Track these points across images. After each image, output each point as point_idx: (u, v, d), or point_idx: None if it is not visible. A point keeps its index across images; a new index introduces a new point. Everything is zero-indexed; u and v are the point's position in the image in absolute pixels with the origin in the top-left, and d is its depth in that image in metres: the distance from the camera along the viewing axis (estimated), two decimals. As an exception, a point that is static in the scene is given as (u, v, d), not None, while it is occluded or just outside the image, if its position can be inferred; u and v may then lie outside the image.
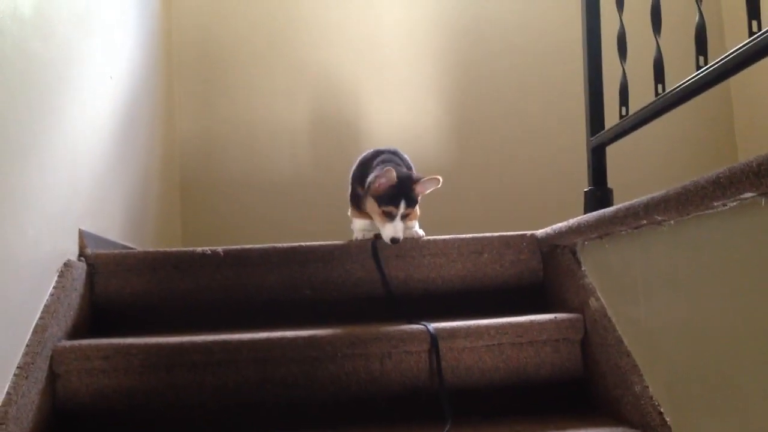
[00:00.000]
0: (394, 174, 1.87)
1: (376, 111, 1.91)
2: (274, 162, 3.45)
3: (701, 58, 1.40)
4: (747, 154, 0.97)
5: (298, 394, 1.68)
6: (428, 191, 1.97)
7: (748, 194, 1.02)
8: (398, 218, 1.91)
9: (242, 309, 1.99)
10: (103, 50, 2.30)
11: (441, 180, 1.93)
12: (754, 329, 1.07)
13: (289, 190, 3.43)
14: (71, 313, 1.77)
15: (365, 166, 2.05)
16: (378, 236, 2.04)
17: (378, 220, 1.96)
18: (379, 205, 1.92)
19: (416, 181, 1.93)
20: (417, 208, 2.00)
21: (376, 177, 1.92)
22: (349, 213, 2.12)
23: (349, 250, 2.03)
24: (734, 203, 1.08)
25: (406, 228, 2.08)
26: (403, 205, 1.90)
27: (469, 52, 3.54)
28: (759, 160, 0.96)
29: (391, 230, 1.91)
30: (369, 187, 1.95)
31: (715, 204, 1.11)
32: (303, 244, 2.02)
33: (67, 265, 1.81)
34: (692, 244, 1.24)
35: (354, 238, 2.08)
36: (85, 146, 2.07)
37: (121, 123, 2.45)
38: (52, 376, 1.62)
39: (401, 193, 1.90)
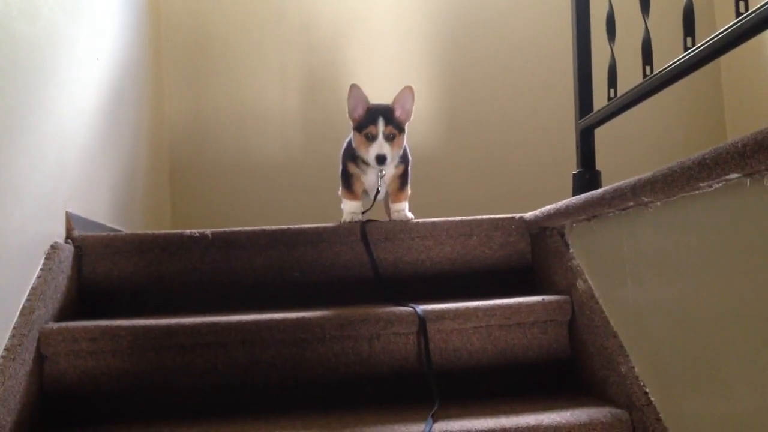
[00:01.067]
0: (359, 88, 1.96)
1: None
2: (264, 145, 3.44)
3: (689, 39, 1.39)
4: (736, 135, 0.97)
5: (287, 376, 1.69)
6: (409, 109, 2.00)
7: (734, 175, 1.02)
8: (380, 137, 1.94)
9: (231, 291, 1.99)
10: (90, 31, 2.27)
11: (413, 88, 1.98)
12: (738, 310, 1.08)
13: (278, 173, 3.42)
14: (58, 295, 1.77)
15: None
16: (369, 220, 2.05)
17: (363, 149, 1.99)
18: (360, 131, 1.97)
19: (392, 104, 1.98)
20: (408, 173, 2.07)
21: (349, 103, 1.98)
22: (339, 192, 2.12)
23: (338, 232, 2.02)
24: (720, 184, 1.08)
25: (396, 211, 2.09)
26: (381, 122, 1.93)
27: (458, 35, 3.53)
28: (744, 140, 0.96)
29: (376, 148, 1.94)
30: (352, 120, 2.01)
31: (701, 185, 1.11)
32: (291, 226, 2.02)
33: (54, 247, 1.80)
34: (679, 226, 1.24)
35: (343, 220, 2.08)
36: (72, 128, 2.05)
37: (109, 104, 2.43)
38: (40, 358, 1.62)
39: (378, 113, 1.95)
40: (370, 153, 1.96)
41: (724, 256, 1.11)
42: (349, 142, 2.08)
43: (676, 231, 1.26)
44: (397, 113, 1.98)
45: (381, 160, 1.94)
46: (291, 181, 3.41)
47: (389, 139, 1.96)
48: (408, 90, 1.98)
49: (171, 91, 3.41)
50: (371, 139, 1.96)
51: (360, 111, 1.99)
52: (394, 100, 1.98)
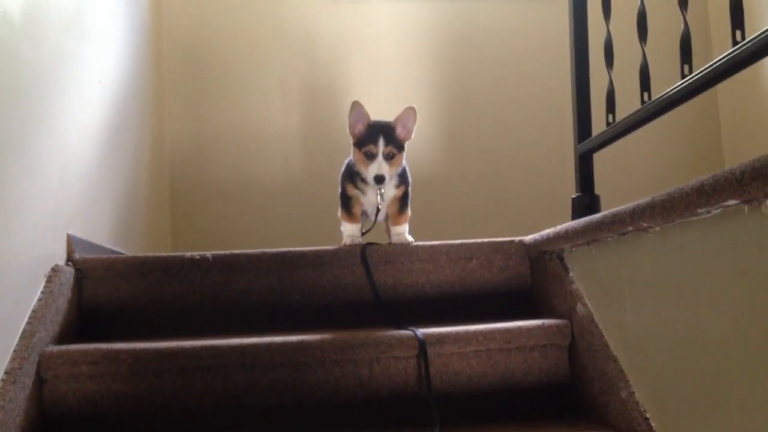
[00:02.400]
0: (360, 105, 1.97)
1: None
2: (265, 166, 3.46)
3: (686, 67, 1.41)
4: (733, 161, 0.99)
5: (287, 399, 1.68)
6: (410, 128, 2.01)
7: (732, 201, 1.03)
8: (380, 156, 1.95)
9: (231, 314, 1.99)
10: (93, 54, 2.29)
11: (415, 108, 1.99)
12: (738, 335, 1.08)
13: (280, 194, 3.43)
14: (59, 318, 1.77)
15: (353, 167, 2.07)
16: (369, 243, 2.06)
17: (362, 166, 1.99)
18: (360, 148, 1.98)
19: (393, 122, 1.99)
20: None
21: (350, 119, 1.99)
22: (338, 214, 2.13)
23: (339, 255, 2.03)
24: (718, 210, 1.09)
25: (396, 234, 2.10)
26: (381, 142, 1.94)
27: (459, 59, 3.57)
28: (742, 167, 0.97)
29: (375, 168, 1.95)
30: (352, 136, 2.02)
31: (700, 211, 1.12)
32: (292, 249, 2.03)
33: (55, 269, 1.80)
34: (678, 251, 1.25)
35: (343, 243, 2.08)
36: (75, 150, 2.06)
37: (111, 127, 2.44)
38: (40, 382, 1.61)
39: (378, 131, 1.96)
40: (370, 172, 1.97)
41: (722, 282, 1.12)
42: (348, 165, 2.09)
43: (675, 256, 1.26)
44: (398, 132, 1.99)
45: (380, 180, 1.96)
46: (292, 201, 3.42)
47: (388, 158, 1.97)
48: (410, 110, 1.99)
49: (172, 111, 3.43)
50: (370, 157, 1.97)
51: (360, 127, 2.00)
52: (396, 118, 1.99)
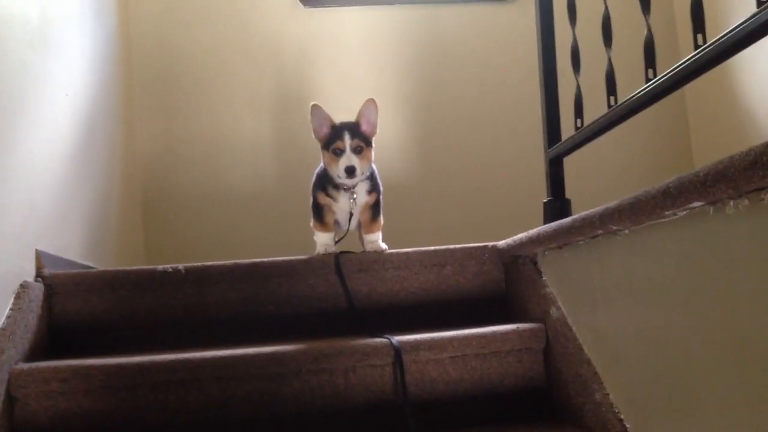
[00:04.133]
0: (320, 107, 1.99)
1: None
2: (237, 176, 3.44)
3: (650, 71, 1.43)
4: (703, 163, 1.00)
5: (263, 411, 1.67)
6: (374, 121, 2.02)
7: (697, 203, 1.05)
8: (348, 150, 1.96)
9: (205, 326, 1.98)
10: (59, 67, 2.27)
11: (376, 101, 2.00)
12: (707, 335, 1.10)
13: (252, 202, 3.42)
14: (29, 335, 1.74)
15: (323, 175, 2.08)
16: (342, 252, 2.06)
17: (332, 165, 1.99)
18: (328, 148, 1.99)
19: (356, 118, 2.00)
20: (380, 202, 2.10)
21: (313, 123, 2.01)
22: (311, 224, 2.12)
23: (312, 264, 2.02)
24: (684, 212, 1.11)
25: (369, 242, 2.10)
26: (347, 136, 1.96)
27: (428, 66, 3.58)
28: (706, 170, 0.98)
29: (345, 161, 1.95)
30: (318, 140, 2.03)
31: (666, 213, 1.14)
32: (265, 259, 2.02)
33: (24, 286, 1.77)
34: (646, 253, 1.27)
35: (316, 252, 2.08)
36: (42, 165, 2.04)
37: (79, 140, 2.42)
38: (10, 400, 1.58)
39: (343, 128, 1.98)
40: (340, 166, 1.96)
41: (691, 283, 1.13)
42: (317, 174, 2.10)
43: (644, 258, 1.28)
44: (363, 127, 2.00)
45: (350, 171, 1.95)
46: (265, 210, 3.41)
47: (357, 151, 1.97)
48: (371, 102, 2.00)
49: (142, 123, 3.40)
50: (339, 153, 1.97)
51: (325, 130, 2.01)
52: (359, 113, 2.00)
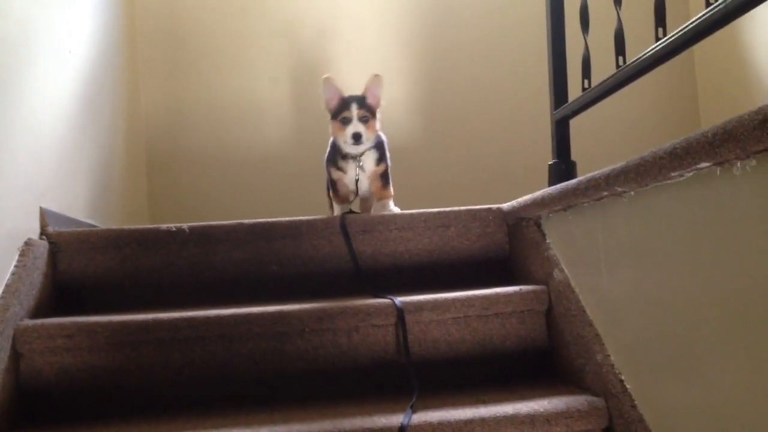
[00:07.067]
0: (332, 80, 2.08)
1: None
2: (243, 137, 3.42)
3: (660, 30, 1.40)
4: (710, 124, 0.98)
5: (266, 370, 1.68)
6: (378, 95, 2.10)
7: (704, 164, 1.03)
8: (355, 119, 2.06)
9: (209, 286, 1.98)
10: (62, 24, 2.24)
11: (381, 76, 2.10)
12: (711, 297, 1.09)
13: (258, 165, 3.41)
14: (34, 292, 1.75)
15: (333, 150, 2.17)
16: (347, 212, 2.09)
17: (340, 134, 2.08)
18: (336, 118, 2.09)
19: (363, 92, 2.10)
20: (389, 175, 2.17)
21: (325, 95, 2.10)
22: (328, 198, 2.22)
23: (316, 225, 2.02)
24: (690, 173, 1.10)
25: (382, 207, 2.17)
26: (354, 106, 2.06)
27: (434, 27, 3.53)
28: (713, 130, 0.97)
29: (351, 128, 2.05)
30: (328, 111, 2.12)
31: (673, 174, 1.12)
32: (269, 219, 2.02)
33: (28, 243, 1.78)
34: (652, 215, 1.26)
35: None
36: (47, 123, 2.03)
37: (83, 98, 2.40)
38: (15, 356, 1.60)
39: (351, 100, 2.08)
40: (347, 133, 2.05)
41: (695, 245, 1.13)
42: (329, 151, 2.17)
43: (649, 220, 1.27)
44: (369, 100, 2.09)
45: (357, 137, 2.04)
46: (271, 173, 3.40)
47: (363, 120, 2.06)
48: (376, 77, 2.10)
49: (147, 82, 3.38)
50: (346, 122, 2.06)
51: (335, 102, 2.10)
52: (365, 88, 2.10)
